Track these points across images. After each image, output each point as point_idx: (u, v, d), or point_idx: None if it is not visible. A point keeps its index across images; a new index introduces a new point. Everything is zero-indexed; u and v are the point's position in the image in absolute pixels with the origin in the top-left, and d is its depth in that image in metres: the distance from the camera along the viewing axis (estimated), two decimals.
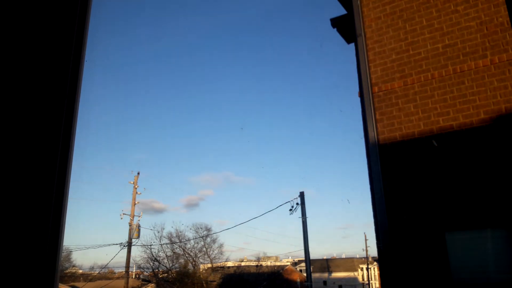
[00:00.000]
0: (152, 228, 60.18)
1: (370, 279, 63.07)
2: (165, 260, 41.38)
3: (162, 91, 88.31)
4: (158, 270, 41.01)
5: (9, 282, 1.03)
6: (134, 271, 42.74)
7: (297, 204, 25.32)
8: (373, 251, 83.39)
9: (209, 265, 46.43)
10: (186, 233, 61.54)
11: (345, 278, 70.52)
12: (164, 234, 49.58)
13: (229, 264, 55.72)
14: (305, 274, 37.32)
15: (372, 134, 6.40)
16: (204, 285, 40.60)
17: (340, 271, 74.59)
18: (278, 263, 66.56)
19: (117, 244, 28.09)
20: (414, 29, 6.60)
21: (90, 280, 37.88)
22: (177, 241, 42.63)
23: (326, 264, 77.66)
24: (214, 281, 42.41)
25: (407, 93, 6.36)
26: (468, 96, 5.89)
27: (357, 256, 79.17)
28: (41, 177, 1.13)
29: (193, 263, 43.64)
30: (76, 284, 38.10)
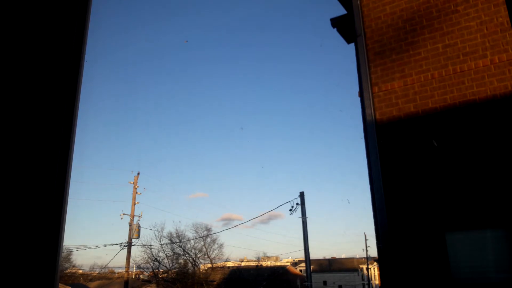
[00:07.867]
0: (152, 228, 60.20)
1: (370, 279, 63.01)
2: (165, 260, 41.39)
3: (162, 91, 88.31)
4: (158, 270, 41.01)
5: (10, 282, 1.03)
6: (134, 271, 42.73)
7: (297, 204, 25.33)
8: (373, 251, 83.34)
9: (209, 265, 46.43)
10: (186, 233, 61.52)
11: (345, 278, 70.44)
12: (164, 234, 49.57)
13: (229, 264, 55.75)
14: (305, 274, 37.30)
15: (372, 134, 6.40)
16: (204, 285, 40.58)
17: (340, 271, 74.53)
18: (278, 263, 66.59)
19: (117, 244, 28.11)
20: (414, 29, 6.60)
21: (90, 280, 37.86)
22: (177, 241, 42.64)
23: (327, 264, 77.65)
24: (214, 281, 42.41)
25: (407, 93, 6.36)
26: (468, 96, 5.89)
27: (357, 256, 79.19)
28: (41, 178, 1.13)
29: (193, 263, 43.64)
30: (76, 282, 38.08)
